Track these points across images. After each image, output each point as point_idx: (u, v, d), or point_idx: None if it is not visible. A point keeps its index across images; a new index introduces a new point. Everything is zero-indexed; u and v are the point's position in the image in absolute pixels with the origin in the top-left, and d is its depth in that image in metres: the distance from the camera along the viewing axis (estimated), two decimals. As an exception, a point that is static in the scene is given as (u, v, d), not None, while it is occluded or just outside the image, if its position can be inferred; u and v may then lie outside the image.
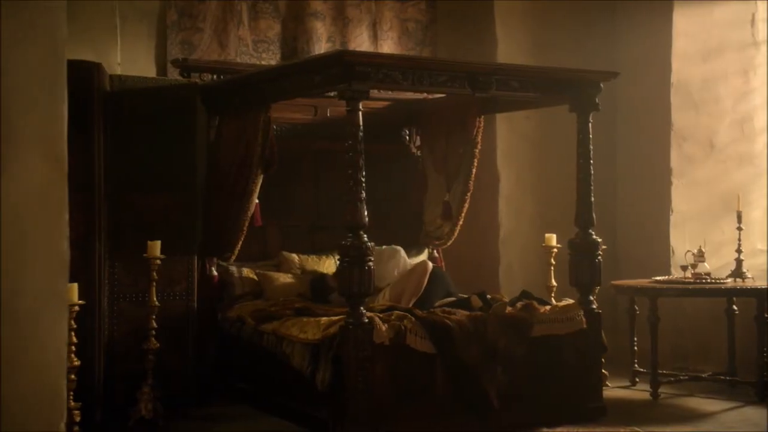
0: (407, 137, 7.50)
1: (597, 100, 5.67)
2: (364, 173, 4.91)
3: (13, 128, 2.47)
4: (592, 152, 5.75)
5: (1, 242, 2.45)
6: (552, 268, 6.78)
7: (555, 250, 6.78)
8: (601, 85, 5.69)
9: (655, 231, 7.70)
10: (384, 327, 4.91)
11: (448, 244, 7.17)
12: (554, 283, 6.71)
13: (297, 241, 6.91)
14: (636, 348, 6.72)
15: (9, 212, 2.47)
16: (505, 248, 7.78)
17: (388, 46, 7.58)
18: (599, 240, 5.74)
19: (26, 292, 2.50)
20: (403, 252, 6.82)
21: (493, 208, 7.75)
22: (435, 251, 7.29)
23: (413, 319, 5.04)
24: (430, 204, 7.21)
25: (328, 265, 6.68)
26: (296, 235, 6.93)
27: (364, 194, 4.90)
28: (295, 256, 6.71)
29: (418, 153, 7.41)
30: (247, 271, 6.48)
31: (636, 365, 6.70)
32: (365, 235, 4.90)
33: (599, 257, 5.70)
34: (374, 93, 5.60)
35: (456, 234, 7.09)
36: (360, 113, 4.88)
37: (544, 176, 7.82)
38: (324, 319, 5.25)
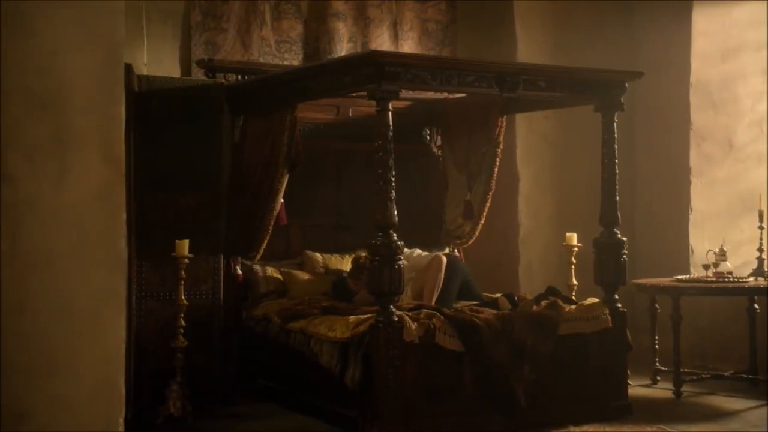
0: (428, 137, 7.54)
1: (622, 100, 5.70)
2: (393, 173, 4.94)
3: (74, 130, 2.52)
4: (617, 152, 5.77)
5: (63, 241, 2.50)
6: (573, 266, 6.82)
7: (576, 248, 6.81)
8: (627, 85, 5.71)
9: (674, 230, 7.72)
10: (414, 325, 4.94)
11: (469, 243, 7.20)
12: (575, 281, 6.75)
13: (319, 240, 6.95)
14: (657, 347, 6.75)
15: (71, 212, 2.52)
16: (524, 247, 7.82)
17: (408, 46, 7.62)
18: (624, 239, 5.77)
19: (86, 290, 2.55)
20: (418, 250, 6.88)
21: (512, 207, 7.79)
22: (456, 250, 7.32)
23: (442, 317, 5.08)
24: (451, 203, 7.25)
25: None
26: (318, 234, 6.98)
27: (393, 193, 4.94)
28: (318, 255, 6.75)
29: (439, 152, 7.44)
30: (271, 270, 6.52)
31: (657, 364, 6.73)
32: (395, 234, 4.94)
33: (624, 256, 5.73)
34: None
35: (477, 233, 7.12)
36: (389, 113, 4.91)
37: (563, 176, 7.86)
38: (352, 317, 5.29)
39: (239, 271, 6.37)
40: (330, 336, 5.26)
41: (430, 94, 6.95)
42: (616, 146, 5.76)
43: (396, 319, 4.91)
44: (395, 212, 4.95)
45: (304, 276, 6.51)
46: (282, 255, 6.75)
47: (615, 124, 5.75)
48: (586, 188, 7.92)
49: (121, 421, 2.59)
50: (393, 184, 4.93)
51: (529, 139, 7.82)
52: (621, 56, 7.69)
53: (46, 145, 2.47)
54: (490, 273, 7.53)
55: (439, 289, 5.77)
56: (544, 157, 7.87)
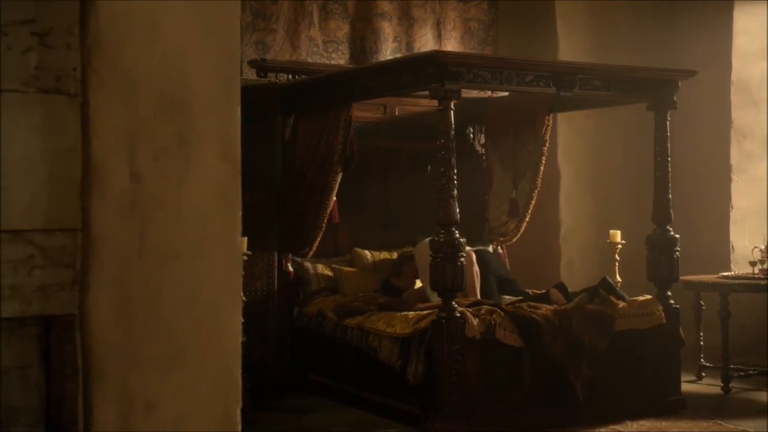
0: (471, 135, 7.60)
1: (675, 99, 5.76)
2: (455, 171, 5.01)
3: (196, 130, 2.59)
4: (669, 150, 5.84)
5: (186, 238, 2.58)
6: (617, 263, 6.88)
7: (620, 246, 6.88)
8: (680, 83, 5.78)
9: (715, 227, 7.78)
10: (476, 321, 5.02)
11: (513, 240, 7.28)
12: (619, 278, 6.81)
13: (367, 238, 7.03)
14: (702, 343, 6.81)
15: (193, 210, 2.59)
16: (565, 244, 7.89)
17: (451, 45, 7.69)
18: (677, 236, 5.83)
19: (208, 285, 2.61)
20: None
21: (554, 204, 7.86)
22: (499, 247, 7.39)
23: (502, 313, 5.16)
24: (495, 201, 7.32)
25: (399, 261, 6.80)
26: (365, 231, 7.06)
27: (455, 191, 5.02)
28: (367, 253, 6.84)
29: (482, 151, 7.51)
30: (321, 267, 6.61)
31: (702, 360, 6.79)
32: (457, 231, 5.02)
33: (677, 253, 5.79)
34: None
35: (522, 230, 7.19)
36: (452, 112, 4.99)
37: (602, 174, 7.93)
38: (411, 313, 5.37)
39: (291, 269, 6.46)
40: (389, 332, 5.34)
41: (473, 93, 7.02)
42: (669, 145, 5.83)
43: (458, 315, 4.99)
44: (457, 210, 5.03)
45: (354, 273, 6.60)
46: (331, 252, 6.83)
47: (668, 123, 5.82)
48: (626, 186, 8.03)
49: (239, 412, 2.67)
50: (455, 182, 5.01)
51: (570, 138, 7.89)
52: (661, 55, 7.75)
53: (171, 145, 2.54)
54: (532, 270, 7.60)
55: (479, 281, 5.84)
56: (584, 156, 7.93)
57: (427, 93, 5.80)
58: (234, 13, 2.67)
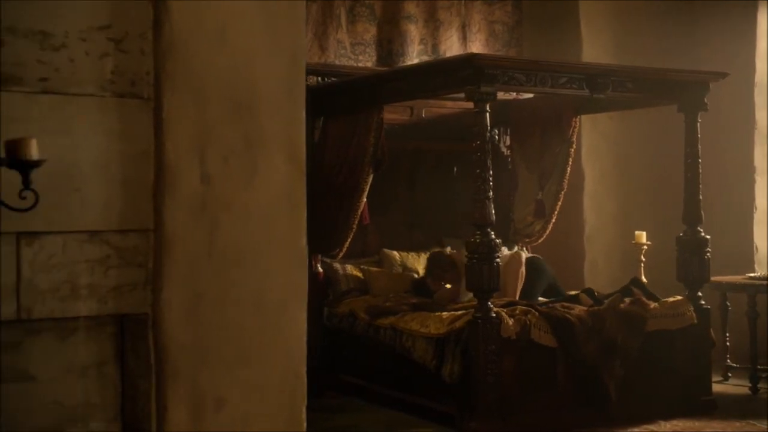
0: (496, 137, 7.64)
1: (705, 100, 5.80)
2: (491, 172, 5.06)
3: (263, 133, 2.65)
4: (700, 151, 5.88)
5: (253, 239, 2.63)
6: (642, 264, 6.92)
7: (645, 246, 6.91)
8: (710, 85, 5.82)
9: (739, 228, 7.80)
10: (511, 321, 5.07)
11: (539, 241, 7.31)
12: (644, 279, 6.84)
13: (394, 239, 7.07)
14: (728, 344, 6.84)
15: (260, 211, 2.65)
16: (590, 245, 7.92)
17: (476, 47, 7.73)
18: (708, 237, 5.87)
19: (274, 285, 2.67)
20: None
21: (578, 205, 7.89)
22: (525, 248, 7.43)
23: (536, 313, 5.20)
24: (521, 202, 7.36)
25: (427, 262, 6.84)
26: (393, 232, 7.11)
27: (491, 193, 5.06)
28: (395, 254, 6.89)
29: (507, 152, 7.55)
30: (350, 268, 6.66)
31: (728, 360, 6.82)
32: (492, 233, 5.06)
33: (708, 254, 5.83)
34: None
35: (548, 231, 7.23)
36: (487, 114, 5.04)
37: (626, 175, 7.96)
38: (445, 314, 5.41)
39: (320, 269, 6.50)
40: (423, 332, 5.39)
41: (499, 94, 7.05)
42: (699, 146, 5.87)
43: (494, 315, 5.04)
44: (493, 211, 5.08)
45: (384, 273, 6.64)
46: (359, 253, 6.87)
47: (698, 124, 5.86)
48: (649, 187, 8.06)
49: (304, 409, 2.73)
50: (491, 183, 5.06)
51: (594, 139, 7.92)
52: (684, 56, 7.77)
53: (239, 148, 2.60)
54: (556, 271, 7.60)
55: (522, 287, 5.88)
56: (607, 157, 7.97)
57: (455, 95, 5.90)
58: (299, 19, 2.73)
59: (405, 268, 6.81)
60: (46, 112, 2.39)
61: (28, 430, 2.35)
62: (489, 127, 5.06)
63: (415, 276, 6.64)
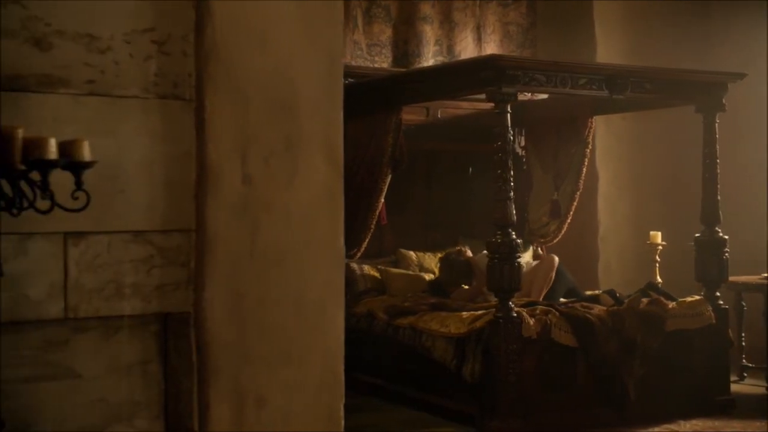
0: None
1: (724, 101, 5.82)
2: (512, 173, 5.09)
3: (303, 134, 2.68)
4: (718, 152, 5.90)
5: (293, 239, 2.66)
6: (657, 265, 6.95)
7: (660, 247, 6.94)
8: (728, 85, 5.85)
9: (754, 228, 7.80)
10: (532, 321, 5.09)
11: (555, 241, 7.34)
12: (659, 279, 6.87)
13: (410, 239, 7.11)
14: (744, 343, 6.85)
15: (300, 212, 2.68)
16: (604, 245, 7.95)
17: (490, 48, 7.76)
18: (726, 237, 5.89)
19: (314, 285, 2.70)
20: None
21: (592, 206, 7.91)
22: (540, 248, 7.46)
23: (557, 313, 5.23)
24: (535, 202, 7.38)
25: (443, 261, 6.87)
26: (409, 232, 7.14)
27: (512, 193, 5.09)
28: (412, 254, 6.92)
29: (522, 153, 7.57)
30: (368, 268, 6.69)
31: (744, 360, 6.83)
32: (513, 233, 5.09)
33: (726, 254, 5.85)
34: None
35: (563, 231, 7.26)
36: (508, 115, 5.06)
37: (639, 176, 7.99)
38: (465, 313, 5.44)
39: (338, 269, 6.52)
40: (443, 331, 5.41)
41: (514, 95, 7.09)
42: (717, 147, 5.89)
43: (515, 315, 5.06)
44: (514, 211, 5.10)
45: (401, 273, 6.67)
46: (376, 253, 6.90)
47: (717, 125, 5.88)
48: (662, 188, 8.08)
49: (342, 408, 2.75)
50: (512, 183, 5.08)
51: (607, 140, 7.95)
52: (698, 56, 7.79)
53: (280, 149, 2.63)
54: (570, 271, 7.66)
55: (548, 288, 5.91)
56: (621, 157, 7.99)
57: (470, 96, 5.93)
58: (337, 20, 2.76)
59: (422, 268, 6.85)
60: (92, 114, 2.42)
61: (74, 427, 2.38)
62: (509, 128, 5.08)
63: (432, 276, 6.67)
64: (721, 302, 5.85)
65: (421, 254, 6.96)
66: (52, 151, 2.01)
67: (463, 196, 7.31)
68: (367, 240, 6.38)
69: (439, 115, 7.22)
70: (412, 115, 7.10)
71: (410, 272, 6.74)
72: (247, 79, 2.60)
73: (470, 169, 7.36)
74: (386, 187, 6.26)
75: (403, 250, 6.94)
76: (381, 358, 6.13)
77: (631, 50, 7.85)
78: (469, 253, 6.47)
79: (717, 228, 5.90)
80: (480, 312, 5.34)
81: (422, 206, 7.21)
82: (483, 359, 5.09)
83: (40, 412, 2.35)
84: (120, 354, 2.46)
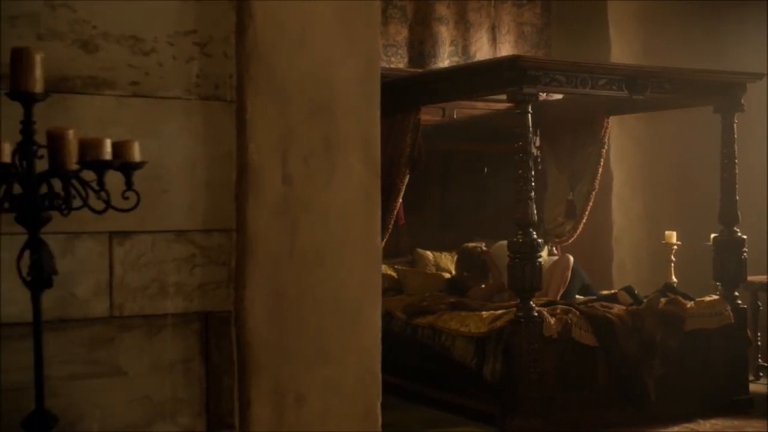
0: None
1: (742, 101, 5.84)
2: (533, 173, 5.11)
3: (340, 135, 2.71)
4: (736, 152, 5.92)
5: (332, 239, 2.69)
6: (672, 264, 6.96)
7: (675, 246, 6.95)
8: (747, 86, 5.86)
9: (759, 228, 7.83)
10: (553, 321, 5.11)
11: (570, 241, 7.36)
12: (675, 279, 6.89)
13: (426, 239, 7.13)
14: (760, 343, 6.87)
15: (338, 211, 2.71)
16: (617, 245, 7.97)
17: (505, 49, 7.78)
18: (744, 237, 5.91)
19: (351, 284, 2.73)
20: None
21: (606, 206, 7.93)
22: (554, 248, 7.48)
23: (577, 313, 5.25)
24: (551, 202, 7.40)
25: (459, 261, 6.89)
26: (425, 232, 7.16)
27: (533, 193, 5.11)
28: (429, 254, 6.94)
29: (537, 153, 7.58)
30: (385, 268, 6.71)
31: (759, 359, 6.85)
32: (534, 233, 5.11)
33: (745, 254, 5.87)
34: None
35: (579, 231, 7.27)
36: (529, 116, 5.09)
37: (652, 176, 8.01)
38: (485, 313, 5.46)
39: (354, 269, 6.54)
40: (463, 331, 5.43)
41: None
42: (735, 147, 5.91)
43: (536, 314, 5.08)
44: (535, 211, 5.13)
45: (418, 273, 6.69)
46: (392, 253, 6.92)
47: (735, 125, 5.90)
48: (675, 188, 8.10)
49: (379, 407, 2.78)
50: (533, 183, 5.11)
51: (621, 140, 7.97)
52: (712, 56, 7.80)
53: (319, 149, 2.66)
54: (584, 270, 7.69)
55: (566, 288, 5.94)
56: (635, 157, 8.01)
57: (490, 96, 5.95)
58: (375, 22, 2.79)
59: (438, 267, 6.87)
60: (136, 115, 2.45)
61: (120, 424, 2.41)
62: (530, 128, 5.11)
63: (448, 275, 6.69)
64: (740, 302, 5.86)
65: (437, 254, 6.98)
66: (108, 151, 2.03)
67: (477, 196, 7.33)
68: (384, 240, 6.40)
69: (455, 116, 7.24)
70: (428, 115, 7.13)
71: (427, 271, 6.77)
72: (287, 80, 2.63)
73: (485, 169, 7.38)
74: (404, 187, 6.29)
75: (419, 250, 6.96)
76: (399, 357, 6.14)
77: (645, 50, 7.87)
78: (485, 249, 6.51)
79: (735, 228, 5.92)
80: (500, 311, 5.36)
81: (438, 206, 7.24)
82: (504, 359, 5.11)
83: (86, 409, 2.38)
84: (163, 352, 2.48)
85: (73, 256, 2.37)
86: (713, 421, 5.44)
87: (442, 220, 7.27)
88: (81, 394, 2.37)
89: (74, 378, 2.36)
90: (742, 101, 5.87)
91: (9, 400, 2.25)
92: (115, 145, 2.07)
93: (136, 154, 2.11)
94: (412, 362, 6.02)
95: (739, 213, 5.96)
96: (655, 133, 7.95)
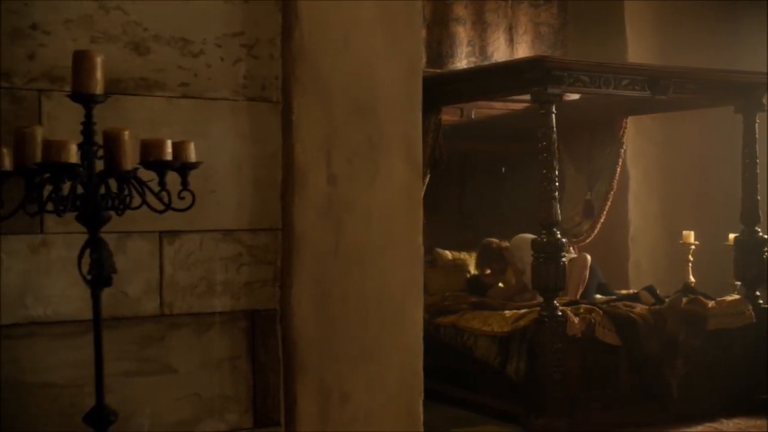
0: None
1: (764, 101, 5.85)
2: (557, 173, 5.13)
3: (384, 135, 2.74)
4: (758, 152, 5.93)
5: (375, 238, 2.72)
6: (690, 264, 6.98)
7: (693, 246, 6.96)
8: (769, 87, 5.87)
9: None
10: (576, 320, 5.13)
11: (587, 241, 7.37)
12: (692, 279, 6.90)
13: (444, 238, 7.14)
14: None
15: (381, 211, 2.74)
16: (634, 245, 7.98)
17: (522, 49, 7.80)
18: (766, 237, 5.92)
19: (394, 283, 2.76)
20: None
21: (622, 206, 7.95)
22: (572, 248, 7.49)
23: (600, 312, 5.27)
24: (568, 202, 7.41)
25: (478, 261, 6.91)
26: (443, 231, 7.17)
27: (557, 193, 5.13)
28: (447, 253, 6.96)
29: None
30: (405, 267, 6.73)
31: (778, 360, 6.86)
32: (558, 232, 5.13)
33: (766, 253, 5.88)
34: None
35: (596, 231, 7.29)
36: (553, 116, 5.11)
37: (670, 175, 8.02)
38: (507, 312, 5.48)
39: (374, 268, 6.57)
40: (486, 330, 5.46)
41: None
42: (757, 147, 5.92)
43: (560, 314, 5.10)
44: (559, 211, 5.15)
45: (438, 273, 6.71)
46: (411, 253, 6.94)
47: (756, 125, 5.91)
48: (692, 188, 8.11)
49: (421, 404, 2.81)
50: (557, 183, 5.13)
51: (637, 140, 7.98)
52: (729, 56, 7.81)
53: (362, 149, 2.69)
54: (601, 270, 7.70)
55: (584, 287, 5.96)
56: (651, 157, 8.02)
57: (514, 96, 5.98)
58: (417, 24, 2.82)
59: (457, 267, 6.88)
60: (185, 116, 2.48)
61: (171, 420, 2.44)
62: (554, 128, 5.12)
63: (468, 275, 6.71)
64: (761, 301, 5.87)
65: (456, 253, 7.00)
66: (168, 152, 2.06)
67: (495, 195, 7.35)
68: (405, 239, 6.42)
69: (473, 116, 7.26)
70: (446, 115, 7.13)
71: (448, 271, 6.78)
72: (332, 81, 2.66)
73: (503, 169, 7.40)
74: (425, 187, 6.30)
75: (438, 250, 6.98)
76: (423, 356, 6.16)
77: (662, 51, 7.87)
78: (506, 244, 6.54)
79: (757, 228, 5.93)
80: (523, 311, 5.38)
81: (456, 206, 7.26)
82: (527, 358, 5.13)
83: (137, 406, 2.41)
84: (211, 350, 2.52)
85: (124, 255, 2.40)
86: (736, 420, 5.45)
87: (460, 219, 7.28)
88: (132, 391, 2.40)
89: (126, 375, 2.40)
90: (764, 101, 5.88)
91: (64, 396, 2.28)
92: (174, 146, 2.09)
93: (192, 154, 2.14)
94: (435, 361, 5.99)
95: (760, 213, 5.97)
96: (671, 133, 7.96)
